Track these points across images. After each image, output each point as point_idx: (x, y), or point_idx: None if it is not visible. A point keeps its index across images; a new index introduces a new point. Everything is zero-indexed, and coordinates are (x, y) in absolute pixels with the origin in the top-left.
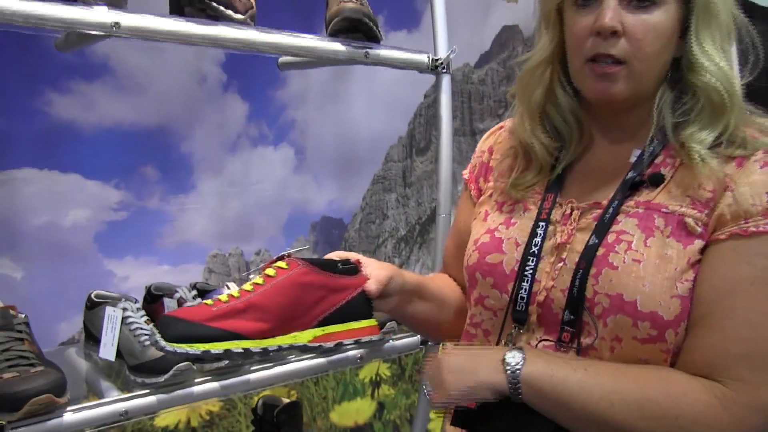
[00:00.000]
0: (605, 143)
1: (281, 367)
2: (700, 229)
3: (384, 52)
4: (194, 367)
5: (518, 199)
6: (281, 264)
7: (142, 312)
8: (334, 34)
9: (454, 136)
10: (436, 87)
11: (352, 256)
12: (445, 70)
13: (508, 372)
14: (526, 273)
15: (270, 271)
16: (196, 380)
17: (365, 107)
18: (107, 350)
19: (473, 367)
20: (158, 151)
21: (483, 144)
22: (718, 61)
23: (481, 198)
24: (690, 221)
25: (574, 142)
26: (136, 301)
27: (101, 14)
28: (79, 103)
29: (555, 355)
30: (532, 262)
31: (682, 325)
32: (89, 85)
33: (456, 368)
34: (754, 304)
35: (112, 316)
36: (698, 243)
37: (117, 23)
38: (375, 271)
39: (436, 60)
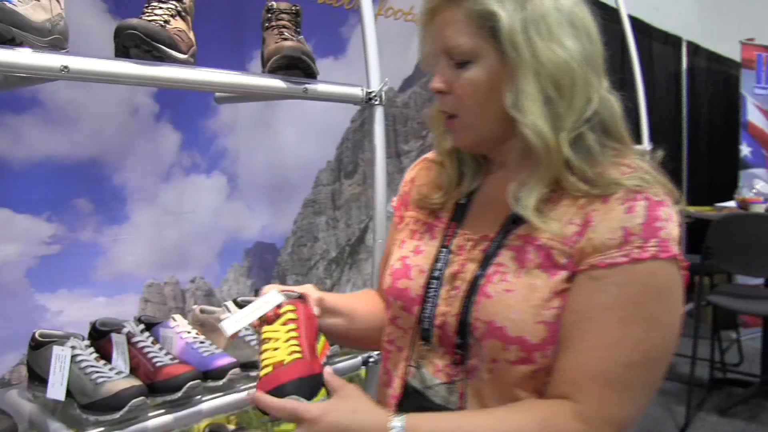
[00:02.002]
0: (499, 177)
1: (230, 396)
2: (564, 261)
3: (321, 87)
4: (148, 402)
5: (427, 227)
6: (290, 307)
7: (92, 349)
8: (273, 71)
9: None
10: (370, 118)
11: (282, 287)
12: (378, 102)
13: None
14: (429, 296)
15: (291, 315)
16: (150, 414)
17: (295, 133)
18: (56, 390)
19: None
20: (91, 183)
21: (408, 175)
22: (533, 116)
23: (401, 226)
24: (556, 253)
25: (470, 175)
26: (84, 339)
27: (50, 59)
28: (7, 137)
29: (435, 419)
30: (436, 286)
31: (550, 348)
32: (17, 118)
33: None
34: (606, 329)
35: (60, 356)
36: (564, 273)
37: (66, 67)
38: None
39: (370, 93)
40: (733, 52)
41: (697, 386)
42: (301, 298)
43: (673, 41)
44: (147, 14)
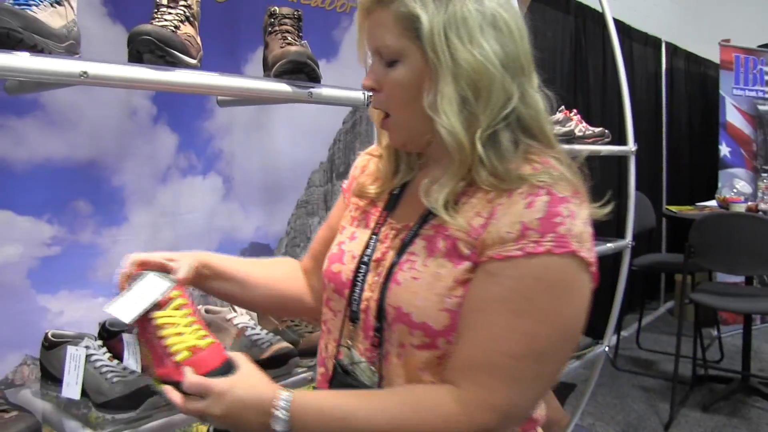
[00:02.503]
0: (429, 170)
1: None
2: (468, 252)
3: (325, 91)
4: (164, 401)
5: (364, 215)
6: (178, 292)
7: (104, 349)
8: (279, 75)
9: None
10: (370, 120)
11: (158, 260)
12: None
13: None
14: (358, 280)
15: (182, 300)
16: (164, 412)
17: (288, 135)
18: (71, 389)
19: (247, 426)
20: (90, 185)
21: (357, 162)
22: (447, 117)
23: (345, 213)
24: (460, 244)
25: (405, 168)
26: (96, 339)
27: (70, 65)
28: (9, 139)
29: (316, 405)
30: (364, 271)
31: (452, 335)
32: (19, 120)
33: (232, 422)
34: (497, 320)
35: (75, 355)
36: (467, 264)
37: (85, 72)
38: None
39: (371, 96)
40: (711, 53)
41: (680, 383)
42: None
43: (653, 42)
44: (157, 20)
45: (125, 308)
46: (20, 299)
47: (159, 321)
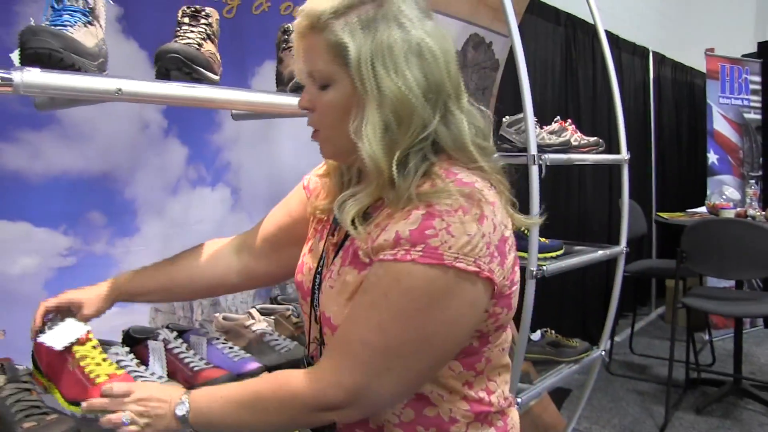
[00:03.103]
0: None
1: None
2: (367, 260)
3: None
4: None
5: (321, 226)
6: (92, 335)
7: (132, 355)
8: (295, 90)
9: None
10: None
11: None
12: None
13: (181, 422)
14: (315, 288)
15: (95, 341)
16: None
17: (292, 147)
18: None
19: (159, 413)
20: (104, 197)
21: (319, 169)
22: (369, 143)
23: (310, 223)
24: (361, 254)
25: (350, 182)
26: (123, 346)
27: (106, 82)
28: (27, 152)
29: (205, 392)
30: (318, 280)
31: None
32: (36, 134)
33: (145, 412)
34: (358, 308)
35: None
36: (367, 270)
37: (120, 89)
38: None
39: None
40: (697, 63)
41: (673, 386)
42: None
43: (641, 52)
44: (180, 37)
45: (55, 340)
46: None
47: (80, 354)
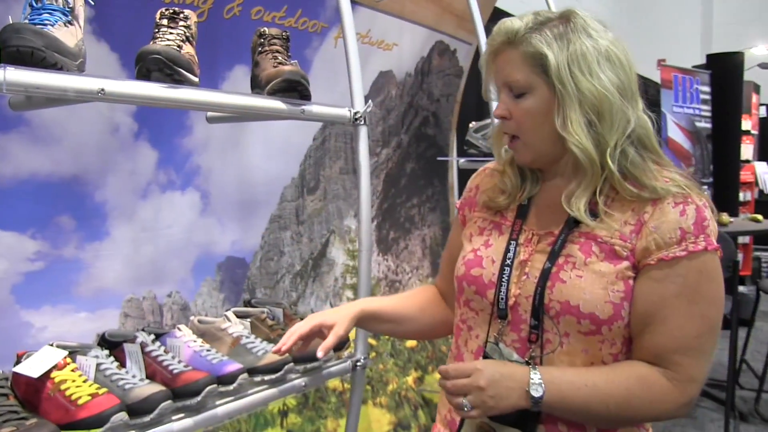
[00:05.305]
0: (553, 185)
1: (241, 400)
2: (626, 253)
3: (316, 108)
4: (175, 406)
5: (494, 224)
6: (70, 360)
7: (112, 358)
8: (272, 93)
9: (339, 174)
10: (355, 137)
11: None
12: (362, 123)
13: (533, 403)
14: (503, 280)
15: (74, 365)
16: (173, 418)
17: (261, 152)
18: None
19: (509, 394)
20: (73, 200)
21: (471, 182)
22: (578, 137)
23: (468, 224)
24: (618, 248)
25: (530, 182)
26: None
27: (88, 82)
28: None
29: (564, 379)
30: (507, 272)
31: (615, 323)
32: (4, 136)
33: (493, 393)
34: (679, 311)
35: (85, 365)
36: (625, 263)
37: (102, 89)
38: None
39: (356, 113)
40: (648, 72)
41: None
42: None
43: None
44: (160, 39)
45: (31, 368)
46: (5, 315)
47: (59, 378)
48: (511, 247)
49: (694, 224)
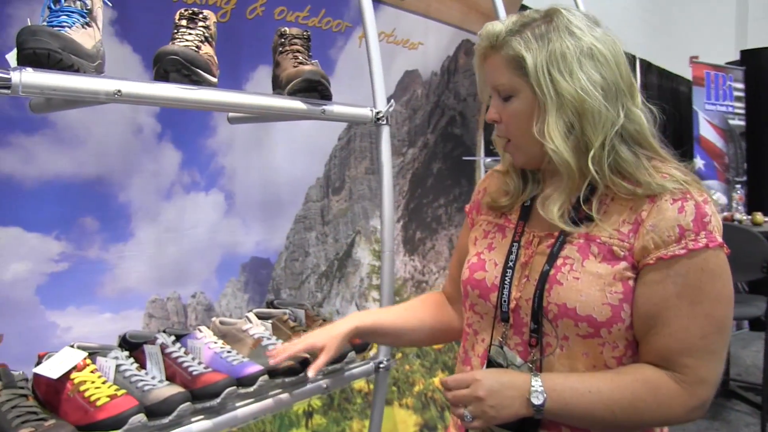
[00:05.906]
0: (554, 185)
1: (261, 402)
2: (623, 254)
3: (337, 108)
4: (196, 407)
5: (498, 227)
6: (90, 361)
7: (132, 359)
8: (293, 93)
9: (364, 174)
10: (377, 137)
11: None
12: (385, 122)
13: (534, 410)
14: (505, 283)
15: (93, 366)
16: (192, 420)
17: (286, 152)
18: None
19: (509, 403)
20: (97, 202)
21: (479, 185)
22: (555, 141)
23: (474, 227)
24: (616, 249)
25: (532, 182)
26: (124, 350)
27: (106, 83)
28: (19, 156)
29: (566, 385)
30: (510, 275)
31: (614, 326)
32: (29, 138)
33: (493, 402)
34: (681, 312)
35: (104, 366)
36: (623, 264)
37: (119, 91)
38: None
39: (378, 113)
40: (681, 70)
41: None
42: None
43: (628, 59)
44: (178, 39)
45: (51, 369)
46: (29, 315)
47: (79, 380)
48: (514, 250)
49: (693, 221)
